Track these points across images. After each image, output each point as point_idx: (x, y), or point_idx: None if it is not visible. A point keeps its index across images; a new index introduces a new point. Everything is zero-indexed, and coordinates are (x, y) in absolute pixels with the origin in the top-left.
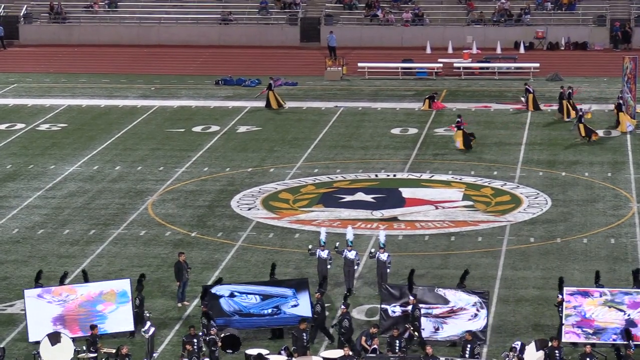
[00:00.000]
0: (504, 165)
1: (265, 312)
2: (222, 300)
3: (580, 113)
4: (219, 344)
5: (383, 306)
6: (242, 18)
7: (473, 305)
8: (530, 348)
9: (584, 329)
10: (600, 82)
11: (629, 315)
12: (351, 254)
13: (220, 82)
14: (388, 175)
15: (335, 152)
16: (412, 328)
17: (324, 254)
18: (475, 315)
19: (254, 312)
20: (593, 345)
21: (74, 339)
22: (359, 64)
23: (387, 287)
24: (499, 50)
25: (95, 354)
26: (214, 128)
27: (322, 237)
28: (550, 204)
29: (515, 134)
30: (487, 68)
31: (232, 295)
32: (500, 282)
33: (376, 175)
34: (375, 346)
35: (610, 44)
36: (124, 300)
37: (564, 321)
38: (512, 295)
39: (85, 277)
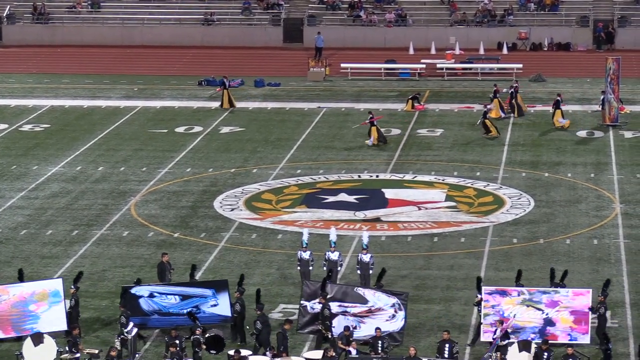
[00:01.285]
0: (486, 166)
1: (185, 311)
2: (141, 300)
3: (485, 109)
4: (203, 345)
5: (303, 302)
6: (225, 19)
7: (392, 306)
8: (513, 349)
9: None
10: (583, 82)
11: (547, 314)
12: (334, 255)
13: (203, 82)
14: (371, 176)
15: (318, 153)
16: (322, 327)
17: (306, 255)
18: (393, 316)
19: (173, 312)
20: (569, 345)
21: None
22: (342, 65)
23: (307, 284)
24: (482, 51)
25: (78, 355)
26: (197, 129)
27: (305, 238)
28: (533, 205)
29: (499, 134)
30: (470, 69)
31: (151, 295)
32: (484, 283)
33: (359, 176)
34: (351, 349)
35: (593, 45)
36: (56, 300)
37: (482, 320)
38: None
39: (20, 277)
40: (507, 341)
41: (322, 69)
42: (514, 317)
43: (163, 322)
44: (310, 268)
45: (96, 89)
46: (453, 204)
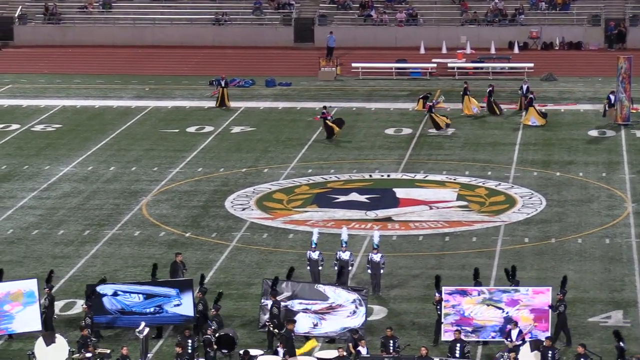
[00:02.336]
0: (498, 166)
1: (148, 310)
2: (105, 299)
3: (431, 104)
4: (215, 345)
5: (263, 301)
6: (236, 19)
7: (352, 303)
8: (525, 348)
9: (463, 328)
10: (594, 82)
11: (507, 312)
12: (345, 255)
13: (214, 82)
14: (382, 176)
15: (329, 153)
16: (271, 325)
17: (315, 255)
18: (354, 312)
19: (137, 311)
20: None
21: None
22: (353, 64)
23: (267, 282)
24: (493, 51)
25: (90, 355)
26: (208, 128)
27: (314, 238)
28: (545, 204)
29: (510, 134)
30: (481, 68)
31: (115, 294)
32: (495, 283)
33: (370, 176)
34: (360, 348)
35: (604, 44)
36: (31, 301)
37: (443, 320)
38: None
39: None
40: (520, 342)
41: (333, 68)
42: (534, 326)
43: (125, 322)
44: (320, 268)
45: (107, 89)
46: (464, 203)
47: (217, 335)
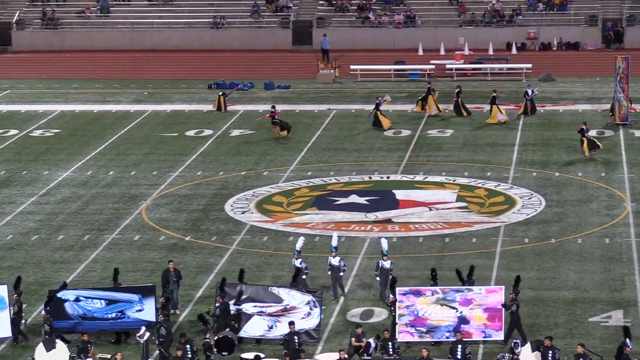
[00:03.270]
0: (497, 166)
1: (109, 316)
2: (67, 305)
3: (377, 101)
4: (214, 348)
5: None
6: (234, 22)
7: (306, 304)
8: (526, 349)
9: (418, 328)
10: (592, 82)
11: (461, 312)
12: (335, 260)
13: (213, 86)
14: (382, 177)
15: (329, 155)
16: (235, 323)
17: (335, 261)
18: (309, 314)
19: (98, 316)
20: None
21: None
22: (352, 67)
23: (225, 285)
24: (491, 52)
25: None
26: (207, 132)
27: (334, 242)
28: (545, 205)
29: (509, 134)
30: (480, 69)
31: (77, 299)
32: (495, 283)
33: (370, 178)
34: (370, 340)
35: (602, 44)
36: (1, 307)
37: (397, 320)
38: (506, 296)
39: None
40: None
41: (332, 70)
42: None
43: (87, 327)
44: (341, 273)
45: (106, 94)
46: (464, 204)
47: (216, 338)
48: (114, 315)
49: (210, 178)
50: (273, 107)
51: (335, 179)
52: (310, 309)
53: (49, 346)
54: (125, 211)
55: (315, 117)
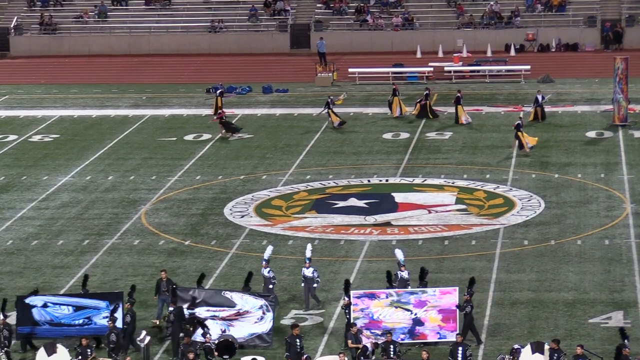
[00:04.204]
0: (496, 168)
1: (76, 322)
2: (34, 310)
3: (329, 100)
4: (215, 352)
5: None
6: (232, 26)
7: (259, 309)
8: (526, 351)
9: (373, 331)
10: (591, 83)
11: (415, 314)
12: (308, 271)
13: (211, 90)
14: (380, 181)
15: (328, 158)
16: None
17: (309, 272)
18: (261, 318)
19: (65, 322)
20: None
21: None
22: (350, 70)
23: (180, 289)
24: (489, 53)
25: None
26: (206, 136)
27: (308, 253)
28: (544, 206)
29: (507, 136)
30: (478, 71)
31: (45, 305)
32: (495, 286)
33: (369, 181)
34: (367, 345)
35: (601, 45)
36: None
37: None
38: (506, 299)
39: None
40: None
41: (330, 74)
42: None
43: (53, 333)
44: (315, 285)
45: (105, 99)
46: (463, 206)
47: (216, 342)
48: (81, 321)
49: (209, 182)
50: (221, 107)
51: (334, 182)
52: (263, 313)
53: (50, 351)
54: (124, 216)
55: (314, 121)
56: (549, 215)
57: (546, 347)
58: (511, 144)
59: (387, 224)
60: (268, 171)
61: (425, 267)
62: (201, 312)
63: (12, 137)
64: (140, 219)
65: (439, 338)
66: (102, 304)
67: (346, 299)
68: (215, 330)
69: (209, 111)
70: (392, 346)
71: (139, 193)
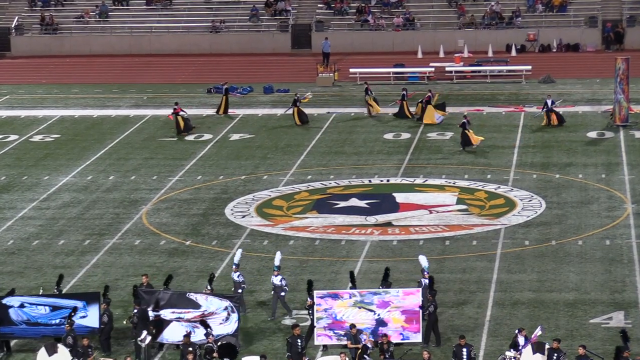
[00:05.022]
0: (497, 169)
1: (53, 322)
2: (11, 310)
3: (296, 97)
4: (215, 353)
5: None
6: (233, 26)
7: (224, 310)
8: (527, 351)
9: (336, 331)
10: (592, 83)
11: (378, 315)
12: (277, 280)
13: (212, 90)
14: (382, 181)
15: (329, 158)
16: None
17: (277, 280)
18: (227, 319)
19: (42, 322)
20: (581, 346)
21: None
22: (351, 70)
23: (145, 291)
24: (490, 54)
25: None
26: (207, 136)
27: (277, 261)
28: (545, 207)
29: (508, 137)
30: (479, 71)
31: (22, 305)
32: (496, 286)
33: (370, 181)
34: (367, 344)
35: (602, 45)
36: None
37: (315, 324)
38: (507, 299)
39: None
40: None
41: (331, 74)
42: (541, 328)
43: (30, 332)
44: (282, 294)
45: (105, 99)
46: (464, 207)
47: (218, 343)
48: (57, 321)
49: (210, 182)
50: (176, 103)
51: (335, 182)
52: (229, 314)
53: (51, 351)
54: (125, 216)
55: (315, 121)
56: (550, 216)
57: (546, 347)
58: (512, 144)
59: (388, 224)
60: (269, 171)
61: (388, 268)
62: (166, 314)
63: (13, 137)
64: (141, 219)
65: (402, 339)
66: (78, 303)
67: (310, 299)
68: (180, 332)
69: (210, 111)
70: (386, 346)
71: (140, 193)
